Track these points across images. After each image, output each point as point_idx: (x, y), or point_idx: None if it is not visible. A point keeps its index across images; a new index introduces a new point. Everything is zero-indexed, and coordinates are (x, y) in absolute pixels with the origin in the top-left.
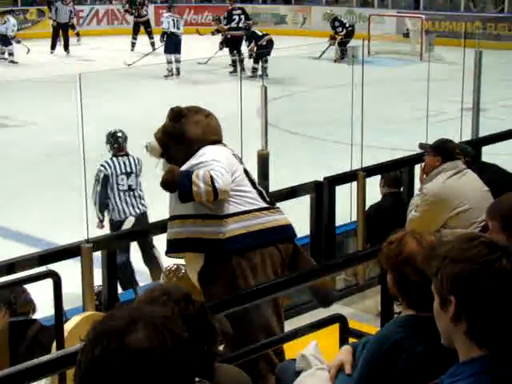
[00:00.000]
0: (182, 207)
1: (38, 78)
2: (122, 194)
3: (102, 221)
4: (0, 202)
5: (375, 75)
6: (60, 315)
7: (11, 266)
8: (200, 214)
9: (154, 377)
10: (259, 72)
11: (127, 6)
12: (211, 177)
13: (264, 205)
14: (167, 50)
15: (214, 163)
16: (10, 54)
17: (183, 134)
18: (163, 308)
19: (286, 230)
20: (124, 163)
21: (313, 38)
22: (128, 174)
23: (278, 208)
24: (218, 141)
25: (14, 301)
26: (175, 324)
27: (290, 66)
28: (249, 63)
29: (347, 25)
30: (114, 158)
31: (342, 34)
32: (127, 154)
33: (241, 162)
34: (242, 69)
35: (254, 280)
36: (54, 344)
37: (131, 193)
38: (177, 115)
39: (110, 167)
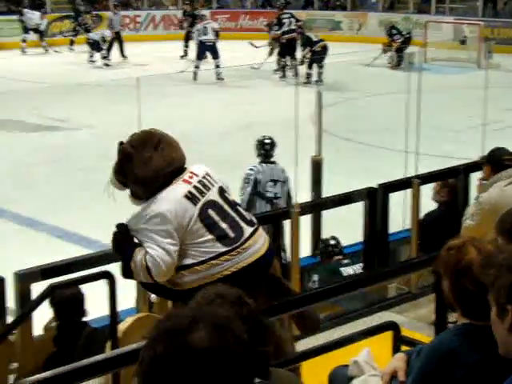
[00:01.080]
0: None
1: (95, 82)
2: (266, 200)
3: None
4: (56, 204)
5: (431, 82)
6: (114, 316)
7: (67, 267)
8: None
9: (215, 375)
10: (314, 78)
11: (185, 21)
12: (147, 267)
13: (222, 249)
14: (198, 57)
15: (153, 236)
16: (104, 58)
17: (136, 177)
18: (223, 309)
19: (257, 266)
20: (272, 170)
21: (368, 44)
22: (275, 182)
23: (243, 244)
24: (175, 171)
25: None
26: (235, 324)
27: (345, 72)
28: (302, 69)
29: (404, 32)
30: (264, 164)
31: (399, 41)
32: (274, 162)
33: (211, 186)
34: (296, 74)
35: None
36: (109, 344)
37: (275, 201)
38: (124, 157)
39: (261, 172)
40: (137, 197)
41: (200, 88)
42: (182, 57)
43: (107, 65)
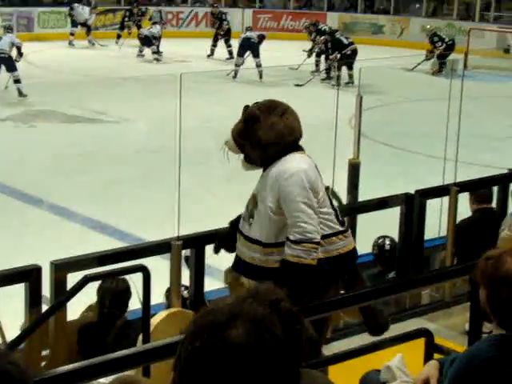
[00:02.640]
0: (264, 234)
1: (136, 76)
2: None
3: None
4: (93, 196)
5: (473, 90)
6: (148, 309)
7: (103, 258)
8: (281, 242)
9: (251, 372)
10: (344, 80)
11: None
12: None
13: (340, 228)
14: (239, 54)
15: (305, 205)
16: (154, 53)
17: (258, 140)
18: (261, 307)
19: (354, 255)
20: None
21: (410, 49)
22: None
23: (349, 230)
24: (295, 141)
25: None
26: (273, 322)
27: (385, 76)
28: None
29: (446, 39)
30: None
31: (441, 48)
32: None
33: (319, 174)
34: (332, 77)
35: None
36: (140, 337)
37: None
38: (250, 119)
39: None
40: (250, 161)
41: (240, 86)
42: (208, 56)
43: (158, 60)
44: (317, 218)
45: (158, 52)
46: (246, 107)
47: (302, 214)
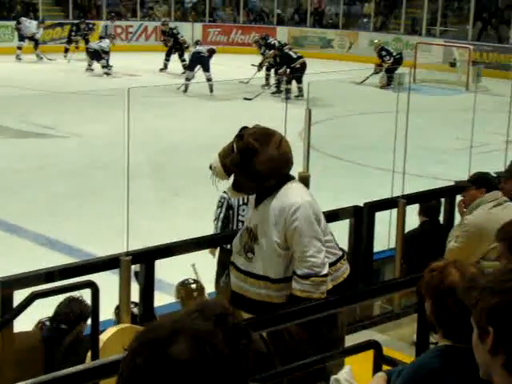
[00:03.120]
0: (272, 269)
1: (85, 91)
2: (240, 224)
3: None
4: (41, 211)
5: (420, 103)
6: (96, 326)
7: (51, 275)
8: (290, 276)
9: None
10: (295, 93)
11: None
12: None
13: (340, 253)
14: (189, 68)
15: (313, 239)
16: (104, 67)
17: (255, 172)
18: (205, 322)
19: (351, 277)
20: None
21: (358, 63)
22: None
23: (345, 252)
24: (287, 172)
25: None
26: (216, 338)
27: (334, 89)
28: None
29: (394, 53)
30: None
31: (390, 62)
32: None
33: None
34: (288, 90)
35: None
36: (89, 354)
37: None
38: (248, 151)
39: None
40: (240, 190)
41: (190, 100)
42: (161, 70)
43: (108, 74)
44: (324, 250)
45: (107, 66)
46: (240, 136)
47: (310, 248)
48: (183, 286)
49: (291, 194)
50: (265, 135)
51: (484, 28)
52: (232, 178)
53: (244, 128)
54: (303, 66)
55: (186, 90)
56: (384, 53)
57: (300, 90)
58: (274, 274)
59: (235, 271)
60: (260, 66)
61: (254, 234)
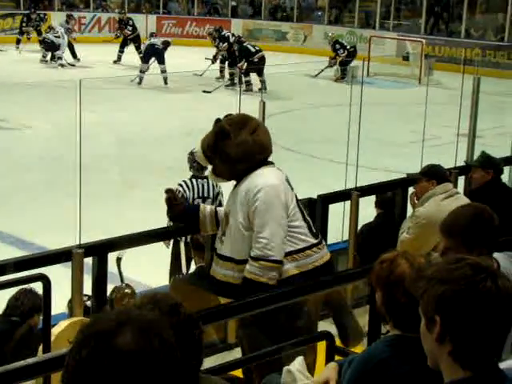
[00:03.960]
0: (236, 250)
1: (37, 82)
2: None
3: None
4: None
5: (374, 96)
6: (48, 319)
7: (1, 268)
8: None
9: (141, 379)
10: (255, 87)
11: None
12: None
13: (313, 241)
14: (144, 61)
15: (270, 221)
16: (59, 58)
17: (226, 155)
18: (152, 312)
19: (331, 266)
20: (202, 186)
21: (313, 56)
22: (204, 199)
23: (322, 241)
24: (265, 158)
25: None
26: (162, 328)
27: (289, 82)
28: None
29: (348, 46)
30: (194, 180)
31: (343, 55)
32: (206, 177)
33: (290, 187)
34: (240, 82)
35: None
36: (41, 347)
37: None
38: (220, 134)
39: (189, 189)
40: (217, 174)
41: (144, 93)
42: (115, 62)
43: (62, 65)
44: (283, 234)
45: (61, 57)
46: (218, 120)
47: (265, 230)
48: (117, 288)
49: (259, 177)
50: (240, 120)
51: (436, 22)
52: None
53: (218, 118)
54: (262, 59)
55: (140, 83)
56: (338, 46)
57: (263, 82)
58: (238, 255)
59: (214, 256)
60: (214, 59)
61: (228, 218)
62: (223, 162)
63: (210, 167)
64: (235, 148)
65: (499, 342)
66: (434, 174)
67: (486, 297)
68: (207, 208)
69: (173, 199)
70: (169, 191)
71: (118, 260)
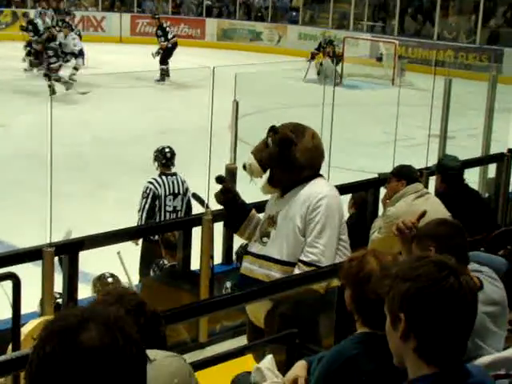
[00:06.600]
0: (286, 252)
1: (9, 80)
2: (167, 215)
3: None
4: None
5: (347, 97)
6: (18, 318)
7: None
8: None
9: (105, 375)
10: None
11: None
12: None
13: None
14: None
15: (328, 230)
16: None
17: (293, 163)
18: (116, 309)
19: None
20: (172, 183)
21: (288, 56)
22: (175, 195)
23: None
24: (321, 164)
25: None
26: (126, 323)
27: (262, 82)
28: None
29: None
30: (164, 177)
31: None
32: (175, 174)
33: None
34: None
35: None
36: (10, 346)
37: (175, 215)
38: (286, 142)
39: (160, 186)
40: (275, 184)
41: (114, 92)
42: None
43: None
44: (336, 246)
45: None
46: (273, 128)
47: (323, 237)
48: (99, 280)
49: (320, 185)
50: (299, 128)
51: (409, 23)
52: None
53: (273, 126)
54: (174, 45)
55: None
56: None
57: (166, 70)
58: (286, 256)
59: (249, 257)
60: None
61: (274, 220)
62: (287, 170)
63: (264, 180)
64: (300, 154)
65: (463, 338)
66: (403, 175)
67: (448, 293)
68: (256, 215)
69: (228, 187)
70: (224, 179)
71: (119, 254)
